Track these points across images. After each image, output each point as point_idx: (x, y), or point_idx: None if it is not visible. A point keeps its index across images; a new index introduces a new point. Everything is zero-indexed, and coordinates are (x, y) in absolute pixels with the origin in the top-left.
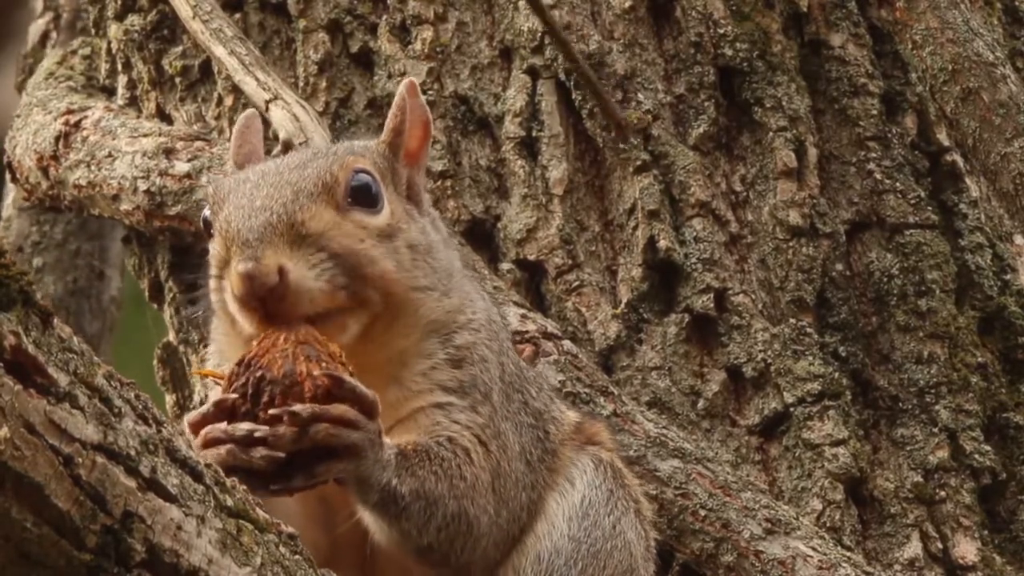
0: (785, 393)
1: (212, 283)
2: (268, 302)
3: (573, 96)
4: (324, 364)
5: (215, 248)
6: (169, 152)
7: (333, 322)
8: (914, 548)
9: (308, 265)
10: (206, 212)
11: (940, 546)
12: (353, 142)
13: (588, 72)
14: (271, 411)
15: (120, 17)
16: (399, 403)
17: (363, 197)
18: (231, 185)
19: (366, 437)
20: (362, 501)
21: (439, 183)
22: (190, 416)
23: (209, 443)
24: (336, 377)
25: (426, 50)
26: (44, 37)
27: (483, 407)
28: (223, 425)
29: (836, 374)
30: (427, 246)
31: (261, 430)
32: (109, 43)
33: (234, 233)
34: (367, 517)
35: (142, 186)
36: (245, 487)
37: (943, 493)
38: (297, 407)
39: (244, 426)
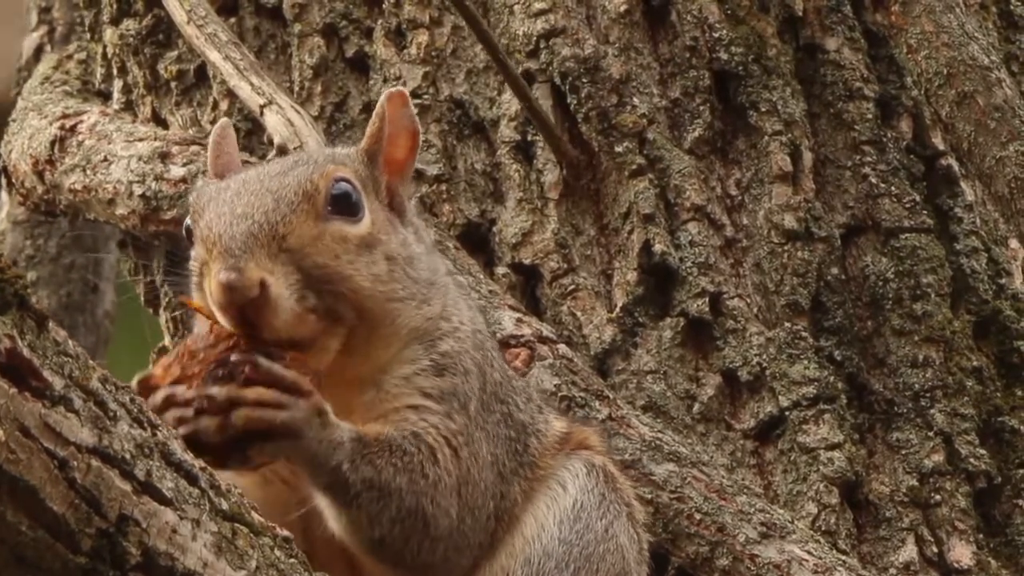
0: (780, 397)
1: (194, 285)
2: (247, 311)
3: (568, 100)
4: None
5: (196, 253)
6: (165, 156)
7: (314, 347)
8: (909, 552)
9: (286, 284)
10: (188, 220)
11: (935, 550)
12: (335, 149)
13: (538, 106)
14: (187, 394)
15: (116, 21)
16: (374, 404)
17: (344, 206)
18: (212, 192)
19: (297, 416)
20: (313, 483)
21: (434, 187)
22: None
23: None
24: (251, 359)
25: (421, 54)
26: (39, 51)
27: (458, 415)
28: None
29: (831, 378)
30: (407, 257)
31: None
32: (105, 47)
33: (215, 239)
34: (321, 502)
35: (137, 190)
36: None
37: (938, 497)
38: (213, 390)
39: (160, 394)
